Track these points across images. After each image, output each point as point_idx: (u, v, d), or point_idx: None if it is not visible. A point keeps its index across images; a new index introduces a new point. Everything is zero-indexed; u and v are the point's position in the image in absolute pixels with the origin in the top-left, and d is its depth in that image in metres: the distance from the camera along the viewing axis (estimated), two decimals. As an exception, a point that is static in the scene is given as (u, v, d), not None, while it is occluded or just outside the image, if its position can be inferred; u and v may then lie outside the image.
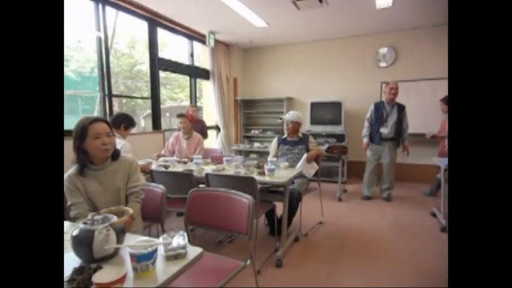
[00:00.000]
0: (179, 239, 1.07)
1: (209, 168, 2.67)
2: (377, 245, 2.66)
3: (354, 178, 4.99)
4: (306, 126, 4.98)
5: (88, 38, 3.60)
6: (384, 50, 4.99)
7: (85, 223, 1.04)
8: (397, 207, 3.72)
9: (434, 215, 3.36)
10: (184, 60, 5.05)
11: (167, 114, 6.83)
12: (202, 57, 5.52)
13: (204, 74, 5.35)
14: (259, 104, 5.97)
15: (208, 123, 5.09)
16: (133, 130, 2.92)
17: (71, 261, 0.99)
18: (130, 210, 1.26)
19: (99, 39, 3.37)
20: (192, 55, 5.11)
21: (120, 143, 2.47)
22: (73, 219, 1.43)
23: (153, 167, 2.73)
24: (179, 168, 2.76)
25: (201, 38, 5.01)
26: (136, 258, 0.90)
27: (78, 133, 1.42)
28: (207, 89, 5.62)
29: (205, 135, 4.30)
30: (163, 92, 7.07)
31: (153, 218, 1.81)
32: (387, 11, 3.95)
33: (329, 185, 4.66)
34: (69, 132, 1.51)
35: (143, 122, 6.17)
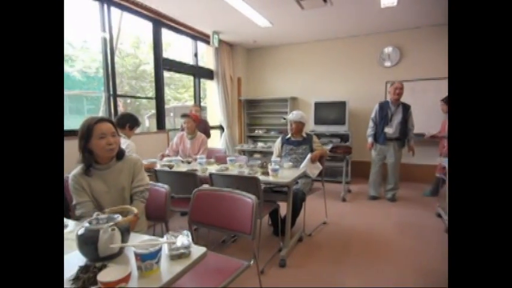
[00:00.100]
0: (183, 239, 1.07)
1: (213, 168, 2.68)
2: (381, 245, 2.65)
3: (358, 178, 4.97)
4: (310, 126, 4.97)
5: (93, 39, 3.63)
6: (388, 50, 4.96)
7: (90, 222, 1.05)
8: (402, 208, 3.69)
9: (439, 215, 3.33)
10: (189, 60, 5.07)
11: (171, 114, 6.86)
12: (206, 57, 5.54)
13: (208, 74, 5.36)
14: (263, 103, 5.97)
15: (212, 123, 5.10)
16: (138, 130, 2.94)
17: (76, 259, 1.00)
18: (135, 210, 1.27)
19: (104, 39, 3.40)
20: (196, 55, 5.13)
21: (125, 142, 2.49)
22: (78, 218, 1.45)
23: (158, 166, 2.74)
24: (183, 168, 2.77)
25: (205, 38, 5.02)
26: (141, 258, 0.91)
27: (84, 133, 1.44)
28: (211, 89, 5.63)
29: (207, 135, 4.31)
30: (168, 92, 7.10)
31: (157, 218, 1.82)
32: (392, 10, 3.92)
33: (333, 185, 4.64)
34: (75, 132, 1.52)
35: (147, 122, 6.20)
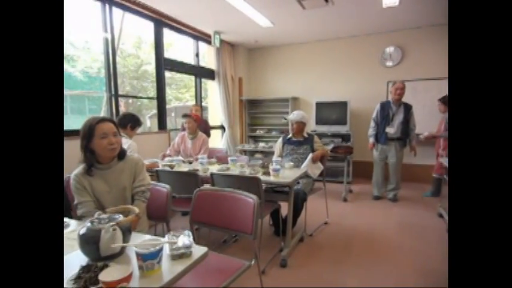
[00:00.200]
0: (184, 239, 1.07)
1: (214, 168, 2.68)
2: (383, 245, 2.64)
3: (360, 178, 4.96)
4: (311, 126, 4.96)
5: (95, 39, 3.64)
6: (390, 49, 4.95)
7: (92, 222, 1.05)
8: (404, 208, 3.68)
9: (441, 215, 3.32)
10: (190, 60, 5.07)
11: (173, 114, 6.87)
12: (208, 58, 5.54)
13: (210, 74, 5.37)
14: (264, 103, 5.97)
15: (213, 123, 5.10)
16: (139, 130, 2.95)
17: (78, 259, 1.00)
18: (136, 209, 1.27)
19: (106, 39, 3.41)
20: (197, 55, 5.13)
21: (126, 142, 2.49)
22: (80, 218, 1.46)
23: (159, 166, 2.75)
24: (184, 168, 2.78)
25: (206, 38, 5.03)
26: (142, 257, 0.91)
27: (85, 133, 1.44)
28: (213, 89, 5.63)
29: (207, 135, 4.31)
30: (169, 92, 7.10)
31: (158, 218, 1.82)
32: (394, 9, 3.91)
33: (334, 185, 4.64)
34: (77, 132, 1.53)
35: (149, 121, 6.21)
